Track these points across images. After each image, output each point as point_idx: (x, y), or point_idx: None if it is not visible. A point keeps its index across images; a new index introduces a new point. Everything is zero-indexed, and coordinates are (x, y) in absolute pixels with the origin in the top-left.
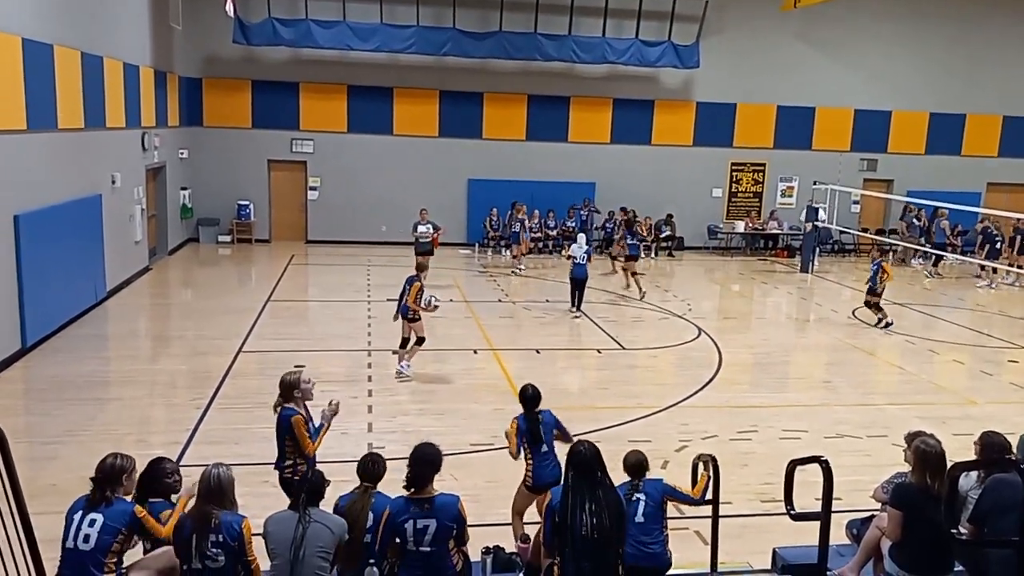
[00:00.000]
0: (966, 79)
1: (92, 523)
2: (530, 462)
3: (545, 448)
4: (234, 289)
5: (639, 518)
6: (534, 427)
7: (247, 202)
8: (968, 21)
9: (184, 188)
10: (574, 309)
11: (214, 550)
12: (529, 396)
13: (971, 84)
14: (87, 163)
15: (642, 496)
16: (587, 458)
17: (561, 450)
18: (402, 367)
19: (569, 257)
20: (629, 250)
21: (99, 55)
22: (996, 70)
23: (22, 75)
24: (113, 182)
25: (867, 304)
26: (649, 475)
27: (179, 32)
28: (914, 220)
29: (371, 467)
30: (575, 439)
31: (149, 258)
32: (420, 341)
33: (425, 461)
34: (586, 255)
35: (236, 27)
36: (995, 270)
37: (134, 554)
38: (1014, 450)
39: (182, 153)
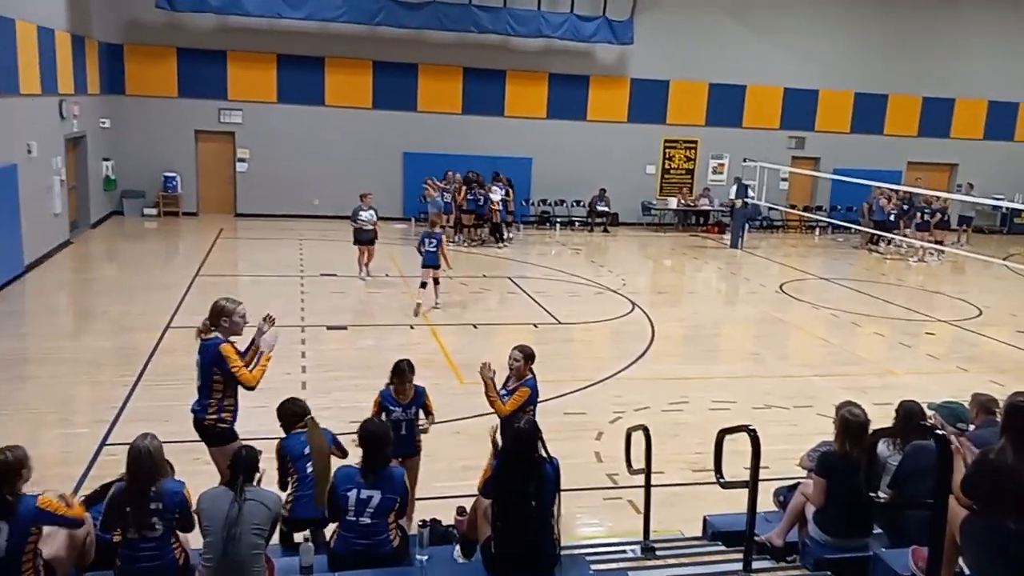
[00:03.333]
0: (888, 59)
1: None
2: None
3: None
4: (161, 264)
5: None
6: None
7: (173, 174)
8: (890, 2)
9: (107, 159)
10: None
11: (153, 519)
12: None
13: (892, 64)
14: (0, 131)
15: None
16: (524, 434)
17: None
18: (438, 304)
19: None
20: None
21: (11, 17)
22: (915, 51)
23: None
24: (29, 151)
25: None
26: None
27: None
28: (878, 201)
29: (293, 404)
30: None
31: (70, 231)
32: (437, 281)
33: (378, 440)
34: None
35: None
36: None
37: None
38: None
39: (104, 123)
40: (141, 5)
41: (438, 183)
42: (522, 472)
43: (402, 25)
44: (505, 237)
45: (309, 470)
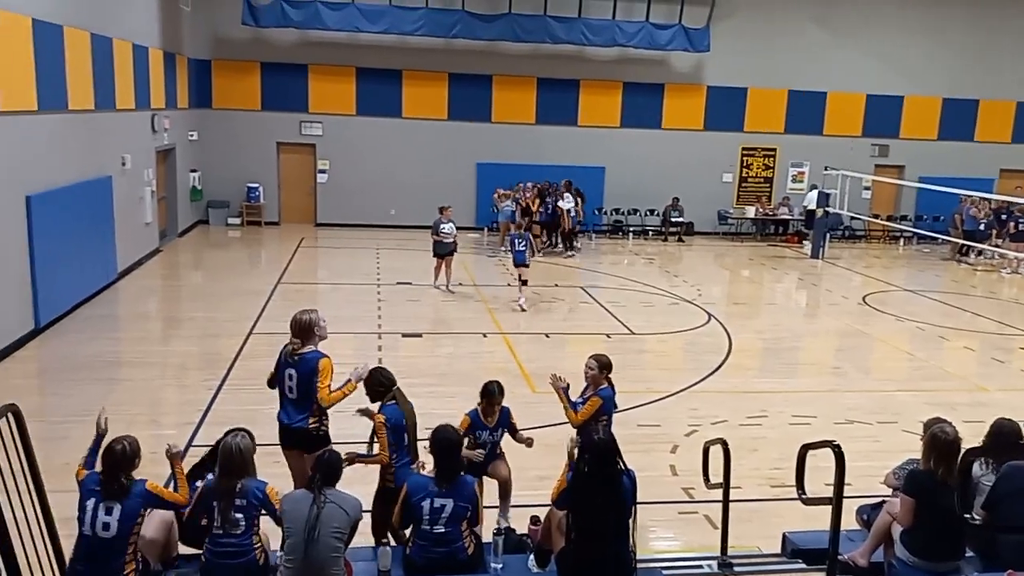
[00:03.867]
0: (980, 64)
1: (110, 511)
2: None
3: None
4: (244, 271)
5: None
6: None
7: (256, 184)
8: (982, 5)
9: (194, 170)
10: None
11: (238, 515)
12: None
13: (985, 69)
14: (97, 144)
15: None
16: (602, 446)
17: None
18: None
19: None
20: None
21: (108, 36)
22: (1010, 55)
23: (32, 56)
24: (123, 164)
25: None
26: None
27: (188, 13)
28: (968, 210)
29: (381, 375)
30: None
31: (159, 240)
32: (526, 281)
33: (450, 447)
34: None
35: (245, 9)
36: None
37: None
38: None
39: (192, 135)
40: (228, 22)
41: (507, 192)
42: (599, 485)
43: (478, 37)
44: (573, 246)
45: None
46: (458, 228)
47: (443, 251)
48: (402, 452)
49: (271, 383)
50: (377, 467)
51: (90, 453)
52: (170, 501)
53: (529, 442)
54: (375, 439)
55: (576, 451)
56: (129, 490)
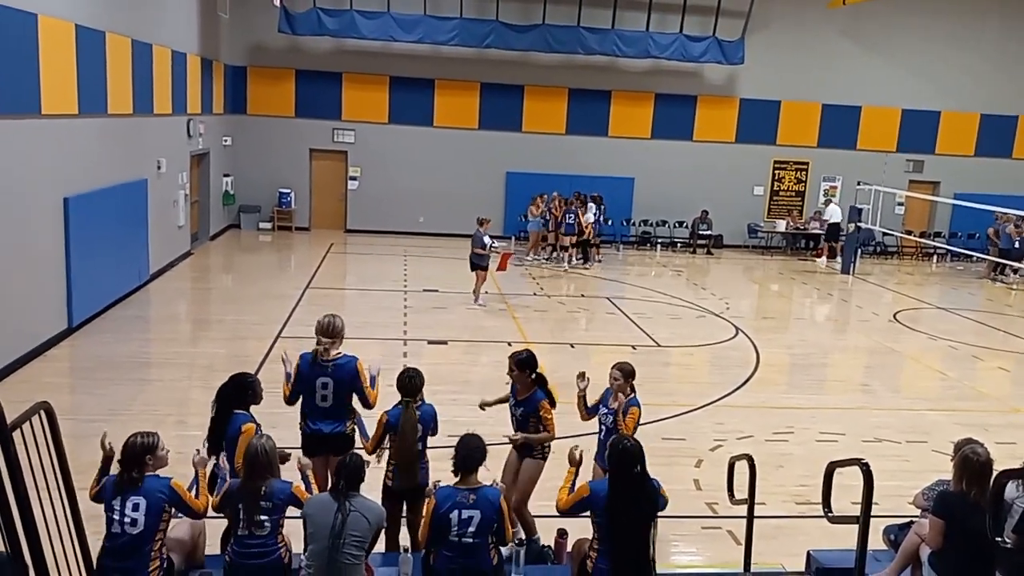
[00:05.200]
0: (1017, 79)
1: (136, 507)
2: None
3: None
4: (274, 275)
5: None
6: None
7: (288, 190)
8: (1020, 18)
9: (227, 175)
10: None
11: (262, 516)
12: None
13: (1022, 84)
14: (134, 148)
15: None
16: (633, 452)
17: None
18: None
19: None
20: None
21: (148, 43)
22: None
23: (75, 61)
24: (159, 167)
25: None
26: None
27: (226, 21)
28: (1004, 228)
29: (409, 382)
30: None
31: (191, 243)
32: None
33: (473, 448)
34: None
35: (282, 17)
36: None
37: None
38: None
39: (226, 140)
40: (265, 30)
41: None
42: (631, 491)
43: (510, 47)
44: (590, 258)
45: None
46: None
47: (484, 263)
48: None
49: (291, 399)
50: (379, 471)
51: (99, 473)
52: (188, 504)
53: (516, 441)
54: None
55: (579, 456)
56: (140, 483)
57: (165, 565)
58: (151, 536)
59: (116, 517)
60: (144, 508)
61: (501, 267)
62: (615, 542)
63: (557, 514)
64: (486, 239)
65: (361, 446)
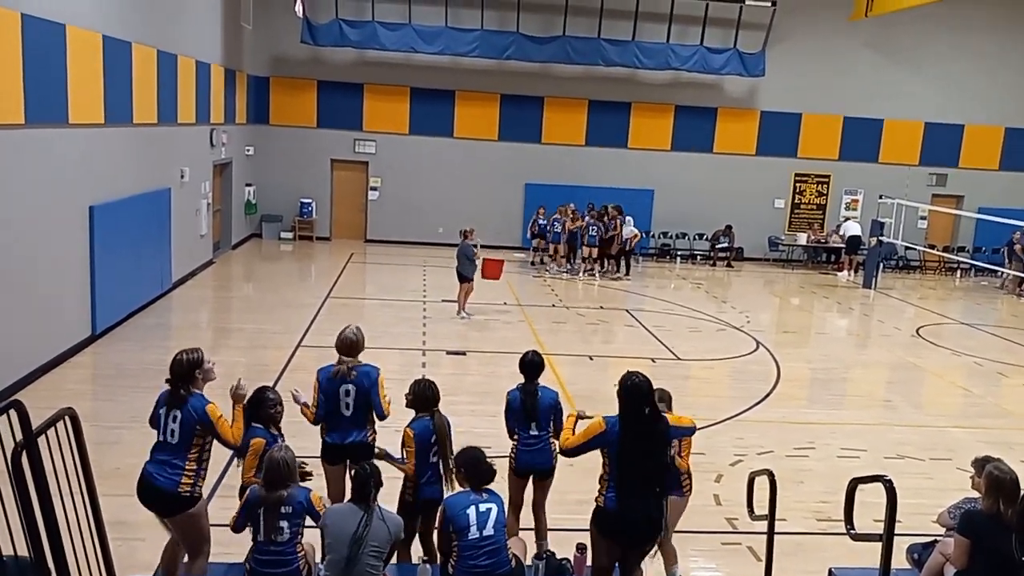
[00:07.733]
0: None
1: (175, 419)
2: (515, 441)
3: (535, 430)
4: (294, 285)
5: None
6: (530, 401)
7: (310, 200)
8: None
9: (249, 184)
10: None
11: (282, 523)
12: (528, 362)
13: None
14: (158, 157)
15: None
16: (644, 388)
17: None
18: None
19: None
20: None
21: (174, 53)
22: None
23: (102, 71)
24: (182, 176)
25: None
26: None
27: (249, 32)
28: None
29: (429, 390)
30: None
31: (213, 252)
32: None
33: (476, 462)
34: None
35: (304, 28)
36: None
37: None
38: None
39: (248, 150)
40: (287, 40)
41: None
42: (643, 427)
43: (531, 59)
44: (628, 270)
45: (433, 458)
46: (505, 247)
47: (471, 275)
48: (427, 469)
49: (318, 419)
50: (398, 481)
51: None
52: (218, 431)
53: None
54: (404, 451)
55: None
56: (186, 400)
57: (193, 490)
58: (185, 448)
59: (161, 425)
60: (179, 421)
61: (493, 276)
62: (623, 475)
63: (576, 528)
64: (475, 250)
65: (397, 468)
